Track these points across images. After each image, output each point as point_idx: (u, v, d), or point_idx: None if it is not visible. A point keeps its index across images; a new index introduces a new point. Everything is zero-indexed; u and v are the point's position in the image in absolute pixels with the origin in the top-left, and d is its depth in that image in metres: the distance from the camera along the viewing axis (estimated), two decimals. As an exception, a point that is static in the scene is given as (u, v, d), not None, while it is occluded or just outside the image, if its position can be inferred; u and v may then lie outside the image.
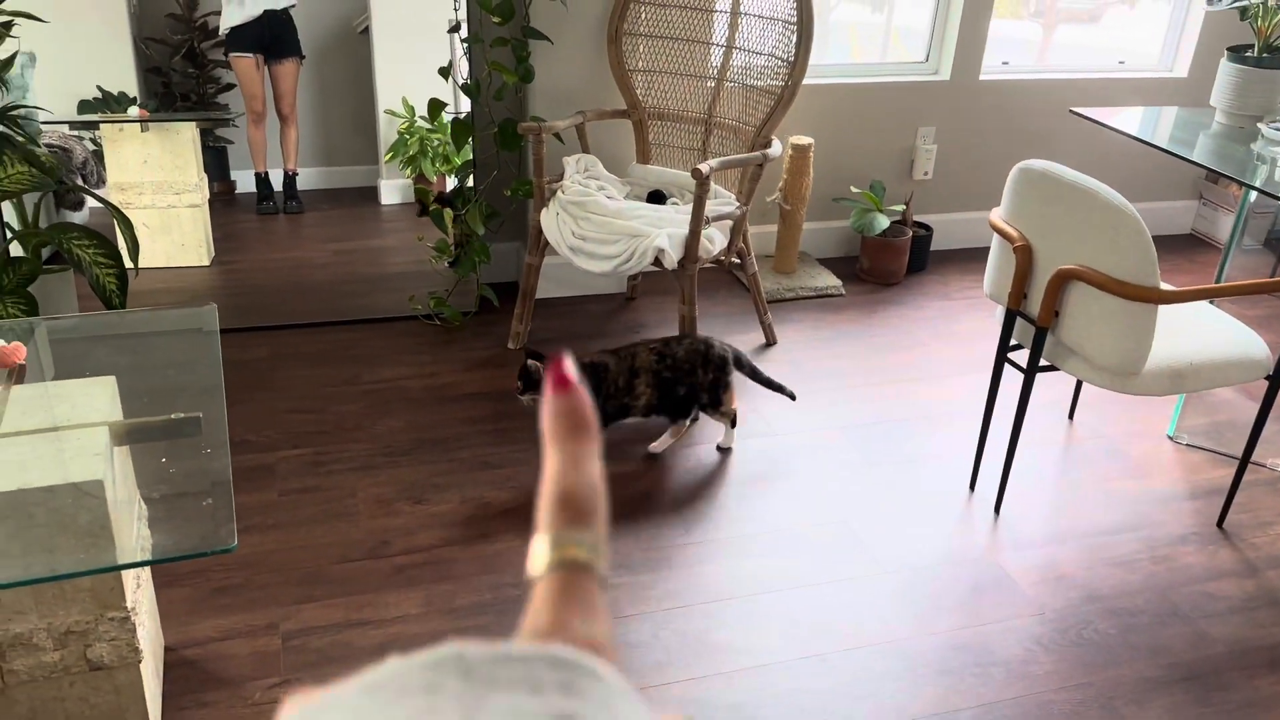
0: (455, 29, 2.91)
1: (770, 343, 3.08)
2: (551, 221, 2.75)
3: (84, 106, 3.17)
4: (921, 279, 3.60)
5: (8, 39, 2.62)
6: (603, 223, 2.64)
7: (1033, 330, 2.18)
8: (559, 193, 2.77)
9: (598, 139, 3.11)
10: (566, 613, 0.32)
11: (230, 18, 3.15)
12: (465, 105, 3.08)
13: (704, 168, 2.47)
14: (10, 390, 1.59)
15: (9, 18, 2.58)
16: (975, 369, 2.96)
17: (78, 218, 3.35)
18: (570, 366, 0.36)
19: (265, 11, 3.14)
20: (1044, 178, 2.08)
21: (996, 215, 2.25)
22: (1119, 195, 1.95)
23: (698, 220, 2.53)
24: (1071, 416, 2.77)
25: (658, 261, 2.58)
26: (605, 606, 0.33)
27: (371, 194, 3.54)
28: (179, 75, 3.23)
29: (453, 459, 2.45)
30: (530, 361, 2.35)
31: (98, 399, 1.58)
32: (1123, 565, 2.22)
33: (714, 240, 2.66)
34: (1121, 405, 2.81)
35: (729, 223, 2.74)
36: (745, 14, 2.88)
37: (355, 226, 3.67)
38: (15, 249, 2.72)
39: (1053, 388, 2.85)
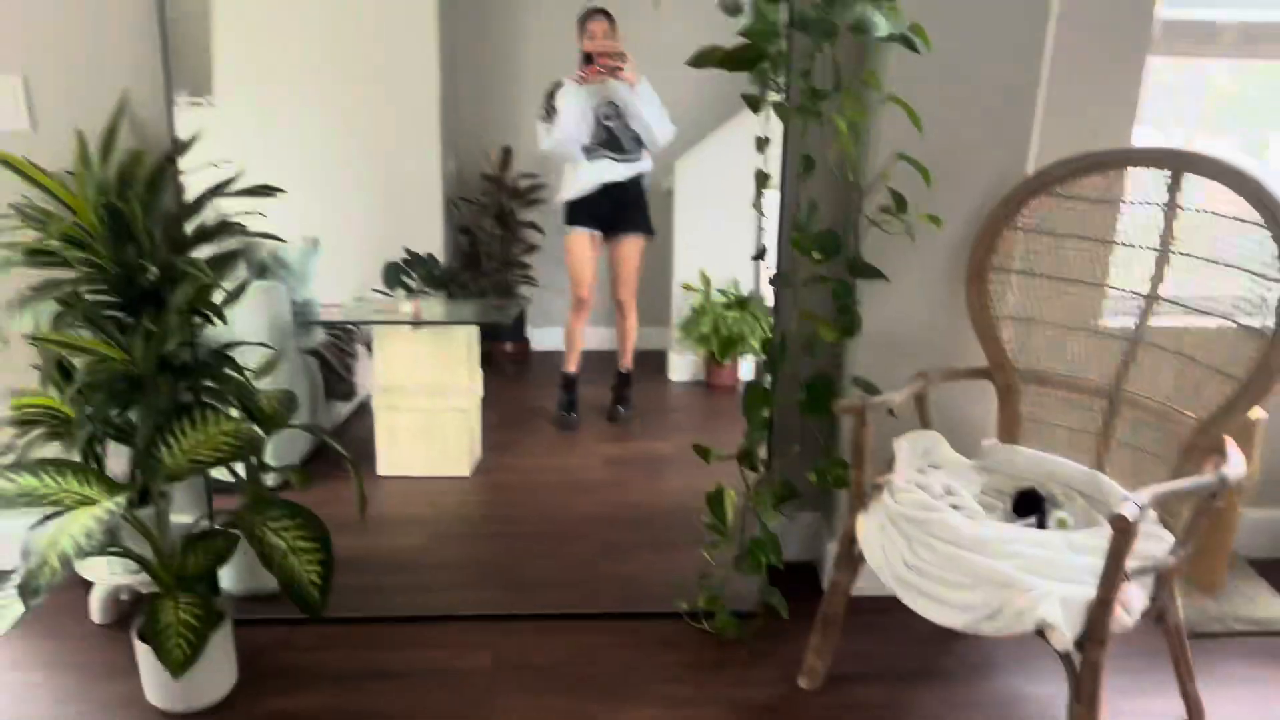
0: (760, 256, 2.22)
1: (1197, 726, 2.04)
2: (874, 535, 1.94)
3: (389, 270, 2.97)
4: None
5: (242, 262, 2.30)
6: (952, 555, 1.79)
7: None
8: (886, 494, 1.96)
9: (940, 400, 2.28)
10: None
11: (566, 191, 2.81)
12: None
13: (1129, 511, 1.56)
14: None
15: (239, 245, 2.22)
16: None
17: (346, 409, 3.08)
18: None
19: (605, 184, 2.71)
20: None
21: None
22: None
23: (1111, 584, 1.62)
24: None
25: (1040, 631, 1.69)
26: None
27: (661, 363, 3.18)
28: (485, 235, 3.04)
29: None
30: None
31: None
32: None
33: (1132, 606, 1.72)
34: None
35: (1154, 573, 1.80)
36: (1182, 254, 1.96)
37: (637, 421, 3.21)
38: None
39: None
